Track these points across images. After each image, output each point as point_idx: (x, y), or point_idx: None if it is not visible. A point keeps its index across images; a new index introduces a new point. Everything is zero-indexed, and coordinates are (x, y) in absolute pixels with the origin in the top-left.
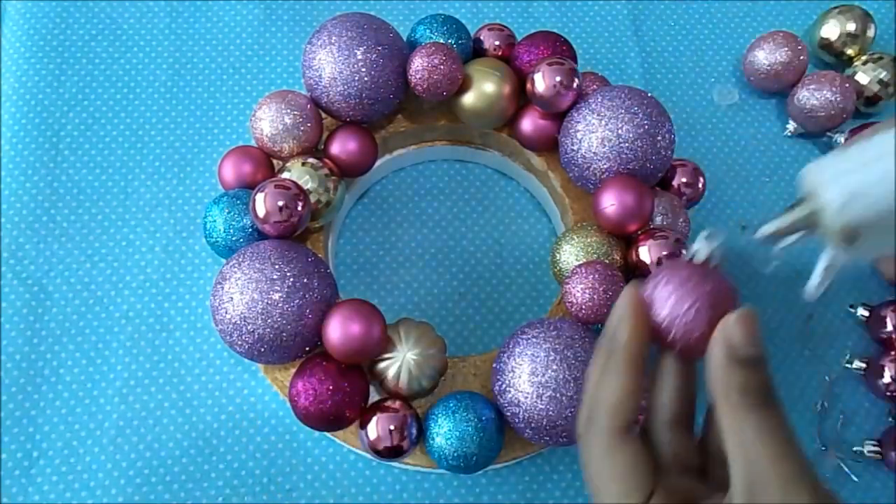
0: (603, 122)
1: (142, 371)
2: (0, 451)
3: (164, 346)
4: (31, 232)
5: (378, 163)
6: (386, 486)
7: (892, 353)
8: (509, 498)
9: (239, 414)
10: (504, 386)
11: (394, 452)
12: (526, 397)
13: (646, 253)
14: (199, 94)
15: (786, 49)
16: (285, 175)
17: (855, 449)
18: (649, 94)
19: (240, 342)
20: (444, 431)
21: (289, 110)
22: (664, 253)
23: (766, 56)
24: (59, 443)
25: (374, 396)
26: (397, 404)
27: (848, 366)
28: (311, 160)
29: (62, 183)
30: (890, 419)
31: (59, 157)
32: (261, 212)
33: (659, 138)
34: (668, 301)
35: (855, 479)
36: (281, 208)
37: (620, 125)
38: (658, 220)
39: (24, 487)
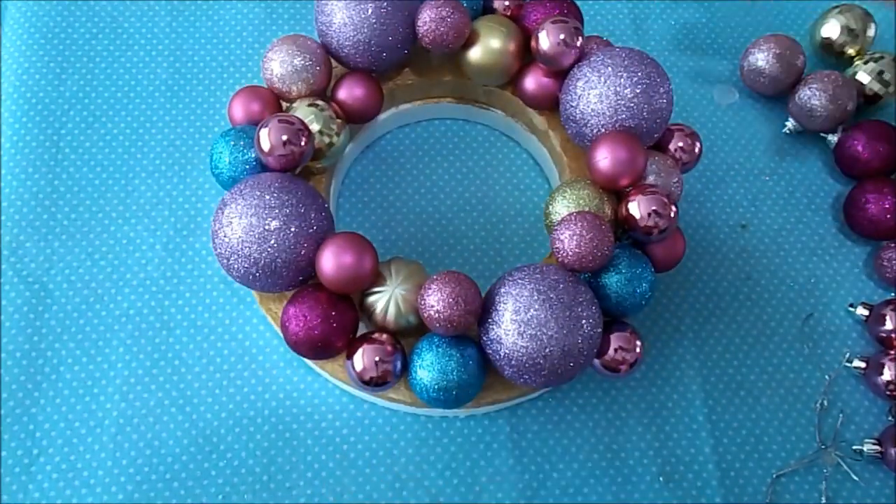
0: (602, 80)
1: (142, 369)
2: (0, 449)
3: (165, 345)
4: (32, 230)
5: (383, 116)
6: (386, 485)
7: (892, 352)
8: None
9: (239, 412)
10: (487, 324)
11: (378, 383)
12: (507, 334)
13: (635, 208)
14: (199, 94)
15: (785, 50)
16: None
17: (855, 448)
18: (649, 56)
19: (236, 266)
20: (427, 364)
21: (299, 53)
22: (653, 208)
23: (765, 57)
24: (60, 440)
25: (364, 333)
26: (384, 337)
27: (848, 365)
28: (317, 101)
29: (63, 181)
30: (890, 418)
31: (60, 156)
32: (265, 145)
33: (656, 98)
34: None
35: (855, 478)
36: (284, 142)
37: (619, 82)
38: (651, 178)
39: (25, 485)
